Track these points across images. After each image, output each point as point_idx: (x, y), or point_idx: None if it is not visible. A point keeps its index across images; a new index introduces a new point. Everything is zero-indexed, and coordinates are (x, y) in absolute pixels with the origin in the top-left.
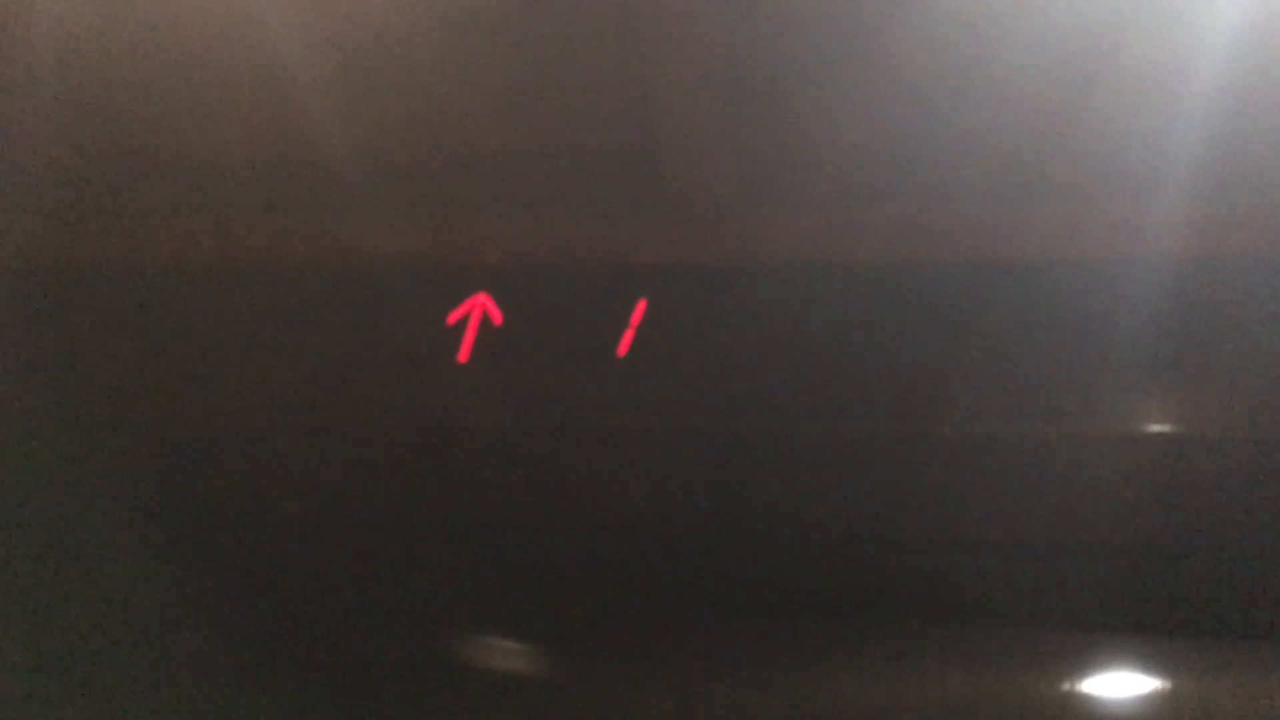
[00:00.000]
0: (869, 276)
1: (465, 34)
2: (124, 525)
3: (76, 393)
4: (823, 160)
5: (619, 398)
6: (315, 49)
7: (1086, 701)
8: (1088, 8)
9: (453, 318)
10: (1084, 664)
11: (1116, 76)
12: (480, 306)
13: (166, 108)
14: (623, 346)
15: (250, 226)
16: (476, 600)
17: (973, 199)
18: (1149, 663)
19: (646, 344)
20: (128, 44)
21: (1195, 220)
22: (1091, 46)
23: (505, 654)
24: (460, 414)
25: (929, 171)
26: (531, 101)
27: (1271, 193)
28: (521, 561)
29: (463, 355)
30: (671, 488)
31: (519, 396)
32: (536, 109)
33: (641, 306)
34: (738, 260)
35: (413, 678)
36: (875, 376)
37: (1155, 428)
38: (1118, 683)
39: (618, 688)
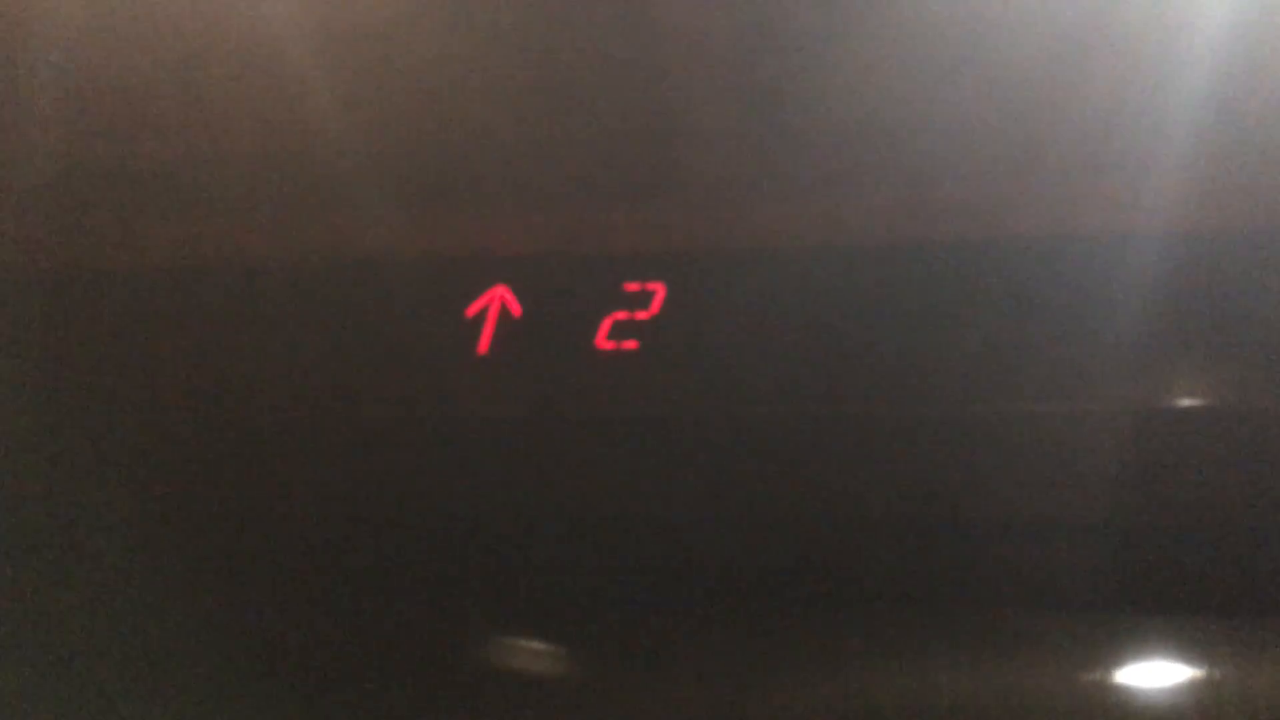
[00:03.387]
0: (882, 259)
1: (478, 28)
2: (136, 525)
3: (97, 389)
4: (837, 146)
5: (638, 387)
6: (329, 45)
7: (1104, 686)
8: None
9: (472, 310)
10: (1102, 647)
11: (1109, 58)
12: (499, 298)
13: (179, 105)
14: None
15: (270, 223)
16: (496, 597)
17: (979, 181)
18: (1170, 645)
19: (662, 331)
20: (134, 43)
21: (1189, 198)
22: (1084, 30)
23: (524, 653)
24: (480, 406)
25: (934, 154)
26: (545, 94)
27: (1262, 170)
28: (540, 557)
29: (482, 347)
30: (690, 475)
31: (538, 388)
32: (550, 101)
33: (660, 293)
34: (756, 247)
35: (427, 677)
36: (893, 360)
37: (1172, 404)
38: (1139, 669)
39: (633, 677)
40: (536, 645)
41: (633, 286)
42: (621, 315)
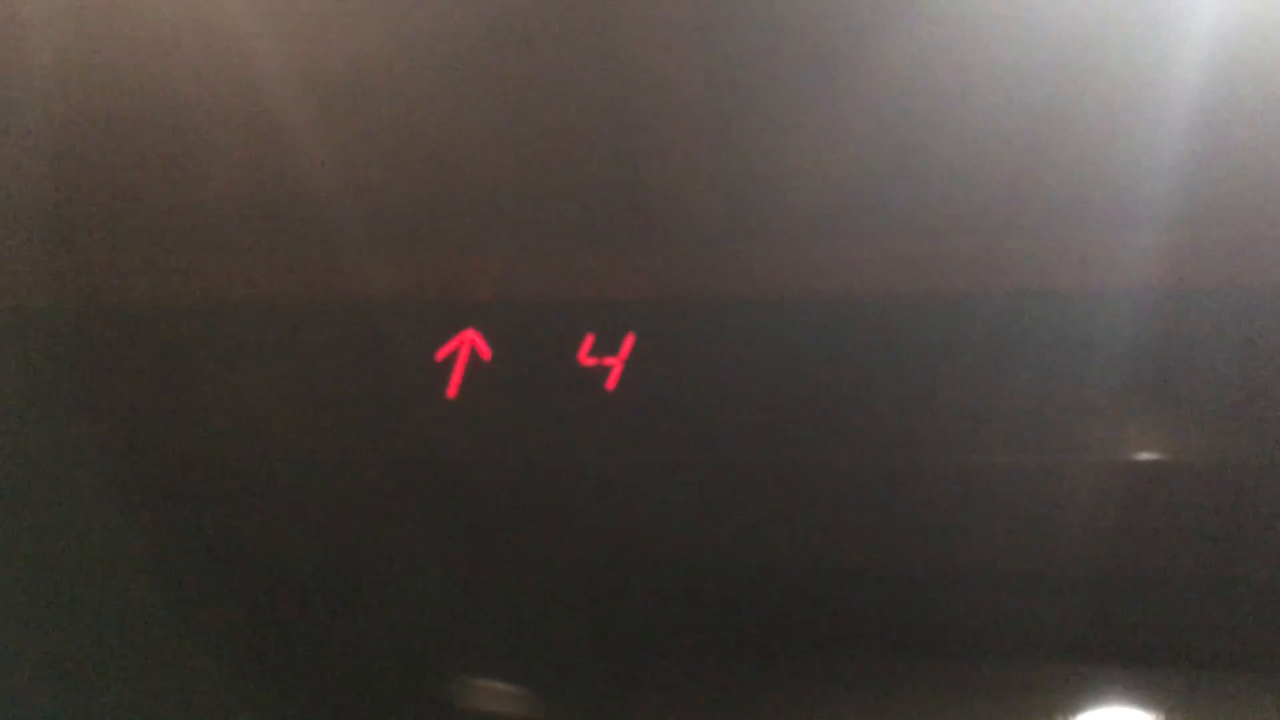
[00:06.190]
0: (853, 309)
1: (453, 76)
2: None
3: (81, 423)
4: (807, 196)
5: (608, 431)
6: (307, 91)
7: None
8: (1062, 49)
9: (441, 354)
10: (1072, 696)
11: (1093, 113)
12: (469, 343)
13: (157, 148)
14: (611, 380)
15: (241, 264)
16: (464, 638)
17: (956, 232)
18: (1138, 695)
19: (635, 377)
20: (119, 92)
21: (1175, 251)
22: (1068, 87)
23: (492, 696)
24: (449, 450)
25: (911, 205)
26: (519, 140)
27: (1245, 225)
28: (507, 599)
29: (451, 391)
30: (661, 521)
31: (508, 432)
32: (524, 148)
33: (630, 340)
34: (726, 294)
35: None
36: (866, 410)
37: (1144, 457)
38: (1107, 716)
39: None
40: (502, 688)
41: (602, 333)
42: (590, 361)
